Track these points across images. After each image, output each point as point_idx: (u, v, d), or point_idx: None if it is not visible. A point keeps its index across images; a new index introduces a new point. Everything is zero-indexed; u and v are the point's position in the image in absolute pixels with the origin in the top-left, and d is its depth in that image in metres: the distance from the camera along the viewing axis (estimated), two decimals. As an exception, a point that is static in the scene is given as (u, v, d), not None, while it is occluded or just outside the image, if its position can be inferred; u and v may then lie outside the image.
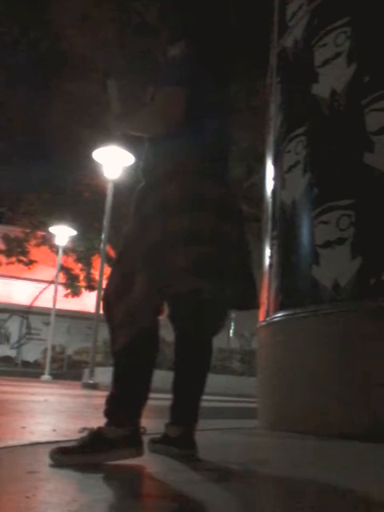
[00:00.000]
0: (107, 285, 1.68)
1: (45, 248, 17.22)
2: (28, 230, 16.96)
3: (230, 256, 1.64)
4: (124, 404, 1.56)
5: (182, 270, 1.53)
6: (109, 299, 1.63)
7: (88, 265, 16.61)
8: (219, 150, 1.77)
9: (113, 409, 1.55)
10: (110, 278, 1.66)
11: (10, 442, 1.84)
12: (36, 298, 14.41)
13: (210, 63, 1.78)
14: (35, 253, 17.59)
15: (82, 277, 16.82)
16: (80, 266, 16.82)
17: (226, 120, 1.83)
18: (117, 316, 1.57)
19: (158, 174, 1.68)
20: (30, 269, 17.76)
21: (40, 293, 15.64)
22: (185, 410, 1.74)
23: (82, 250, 16.37)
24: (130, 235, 1.68)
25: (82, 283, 16.86)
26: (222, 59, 1.85)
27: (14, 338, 19.53)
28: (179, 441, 1.68)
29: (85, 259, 16.58)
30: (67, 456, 1.45)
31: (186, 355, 1.77)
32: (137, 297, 1.53)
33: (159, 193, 1.63)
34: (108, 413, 1.55)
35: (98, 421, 1.59)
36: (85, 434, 1.54)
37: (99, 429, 1.52)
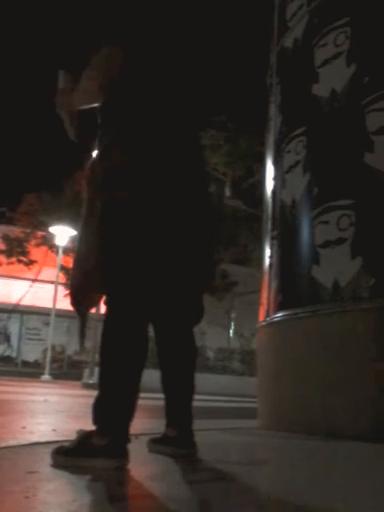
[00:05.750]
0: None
1: (45, 248, 17.23)
2: (28, 230, 16.98)
3: (176, 233, 1.60)
4: (112, 410, 1.50)
5: (119, 248, 1.55)
6: (74, 290, 1.75)
7: (88, 265, 16.57)
8: (170, 123, 1.69)
9: (100, 415, 1.50)
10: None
11: (10, 442, 1.84)
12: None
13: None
14: (35, 253, 17.59)
15: (82, 277, 16.78)
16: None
17: (179, 93, 1.78)
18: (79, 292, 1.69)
19: (104, 144, 1.67)
20: (30, 269, 17.78)
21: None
22: (177, 411, 1.73)
23: (82, 250, 16.33)
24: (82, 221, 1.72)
25: (82, 283, 16.82)
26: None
27: (14, 338, 19.52)
28: (179, 441, 1.68)
29: (85, 259, 16.54)
30: (58, 457, 1.45)
31: (164, 347, 1.75)
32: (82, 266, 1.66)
33: (104, 163, 1.62)
34: (96, 419, 1.49)
35: (98, 421, 1.58)
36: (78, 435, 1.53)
37: (90, 433, 1.49)
